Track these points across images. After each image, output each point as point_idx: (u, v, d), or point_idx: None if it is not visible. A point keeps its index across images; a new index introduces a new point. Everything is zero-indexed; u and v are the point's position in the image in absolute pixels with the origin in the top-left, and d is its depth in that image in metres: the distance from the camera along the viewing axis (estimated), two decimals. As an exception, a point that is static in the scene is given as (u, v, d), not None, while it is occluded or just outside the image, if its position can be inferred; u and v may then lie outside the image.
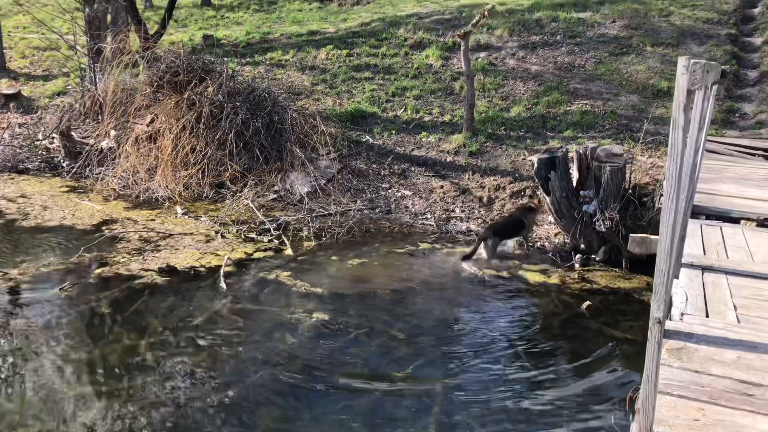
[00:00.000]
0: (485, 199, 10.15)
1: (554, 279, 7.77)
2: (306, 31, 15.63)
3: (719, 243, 3.84)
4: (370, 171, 11.15)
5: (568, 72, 12.92)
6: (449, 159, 11.09)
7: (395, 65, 13.76)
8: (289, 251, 8.19)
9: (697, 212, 4.60)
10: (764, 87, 11.88)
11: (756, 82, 12.13)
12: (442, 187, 10.56)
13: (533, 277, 7.81)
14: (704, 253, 3.63)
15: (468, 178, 10.64)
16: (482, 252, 8.27)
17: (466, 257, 8.11)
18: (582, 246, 8.43)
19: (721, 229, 4.18)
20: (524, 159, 10.72)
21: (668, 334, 2.58)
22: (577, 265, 8.13)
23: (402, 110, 12.43)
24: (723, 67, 2.60)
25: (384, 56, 14.08)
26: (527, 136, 11.27)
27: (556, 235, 9.05)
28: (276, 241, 8.49)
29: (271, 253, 8.16)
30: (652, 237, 4.65)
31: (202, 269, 7.51)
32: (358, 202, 10.36)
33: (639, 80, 12.28)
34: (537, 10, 14.93)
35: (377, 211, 10.19)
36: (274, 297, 6.86)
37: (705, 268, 3.33)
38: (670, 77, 12.22)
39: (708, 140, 9.75)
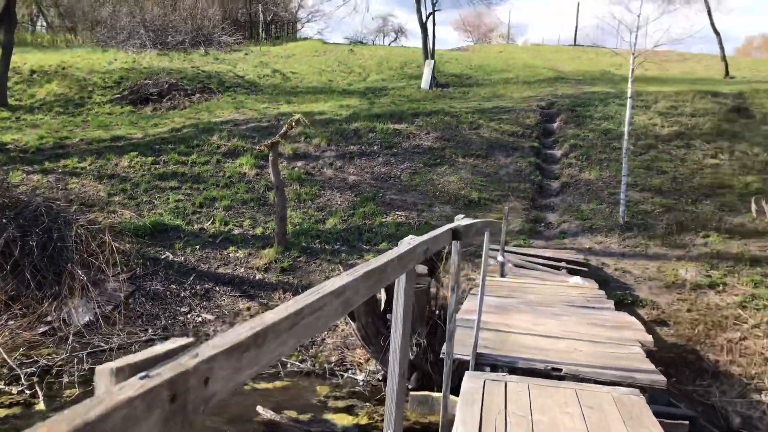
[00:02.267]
0: (295, 322, 9.27)
1: (362, 417, 6.93)
2: (110, 137, 14.35)
3: (500, 410, 3.24)
4: (168, 293, 9.91)
5: (384, 182, 12.77)
6: (259, 276, 10.18)
7: (205, 174, 12.85)
8: (41, 405, 6.66)
9: (482, 363, 4.08)
10: (566, 197, 12.41)
11: (558, 192, 12.68)
12: (249, 308, 9.57)
13: (338, 418, 6.92)
14: (479, 431, 3.00)
15: (279, 298, 9.76)
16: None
17: None
18: (393, 374, 7.74)
19: (506, 385, 3.63)
20: (339, 275, 10.07)
21: None
22: (388, 397, 7.39)
23: (209, 222, 11.44)
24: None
25: (194, 164, 13.15)
26: (342, 250, 10.72)
27: (367, 361, 8.32)
28: (28, 392, 6.93)
29: (17, 409, 6.58)
30: (435, 395, 4.02)
31: None
32: (150, 330, 9.04)
33: (451, 191, 12.36)
34: (355, 120, 14.93)
35: (172, 340, 8.91)
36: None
37: (474, 462, 2.66)
38: (481, 188, 12.45)
39: (516, 253, 9.74)
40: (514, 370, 4.01)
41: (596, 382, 3.81)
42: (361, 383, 7.86)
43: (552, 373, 3.93)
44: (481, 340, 4.34)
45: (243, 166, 13.13)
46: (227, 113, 15.99)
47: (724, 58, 22.76)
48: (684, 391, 7.63)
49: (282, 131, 10.38)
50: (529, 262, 9.14)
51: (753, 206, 9.24)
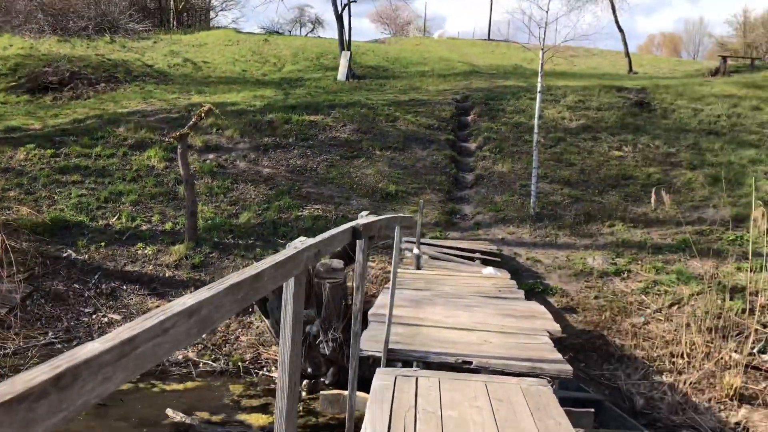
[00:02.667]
0: (208, 320, 8.96)
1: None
2: (3, 127, 13.42)
3: (410, 407, 3.20)
4: (71, 293, 9.38)
5: (300, 175, 12.56)
6: (169, 273, 9.79)
7: (111, 167, 12.23)
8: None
9: (393, 359, 4.03)
10: (480, 189, 12.62)
11: (473, 185, 12.87)
12: (158, 307, 9.17)
13: (252, 417, 6.74)
14: (388, 430, 2.93)
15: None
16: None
17: None
18: (309, 370, 7.62)
19: (416, 381, 3.60)
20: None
21: None
22: (303, 393, 7.27)
23: (115, 218, 10.90)
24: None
25: (98, 157, 12.48)
26: (257, 245, 10.46)
27: (283, 358, 8.13)
28: None
29: None
30: (345, 393, 3.95)
31: None
32: (50, 333, 8.53)
33: (369, 183, 12.31)
34: (269, 111, 14.61)
35: (75, 343, 8.43)
36: None
37: (380, 464, 2.60)
38: (398, 181, 12.47)
39: (432, 245, 9.80)
40: (426, 364, 3.99)
41: (506, 373, 3.84)
42: (276, 380, 7.70)
43: (463, 366, 3.93)
44: (394, 335, 4.30)
45: (151, 158, 12.58)
46: (134, 103, 15.30)
47: (627, 54, 23.82)
48: (592, 376, 7.91)
49: (191, 122, 10.00)
50: (444, 253, 9.22)
51: (653, 197, 9.71)
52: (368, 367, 4.30)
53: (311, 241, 1.82)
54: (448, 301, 5.86)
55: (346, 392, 3.73)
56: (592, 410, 3.88)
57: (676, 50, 58.01)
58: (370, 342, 4.16)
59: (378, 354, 3.97)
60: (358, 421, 3.17)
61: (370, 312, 5.24)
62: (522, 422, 3.09)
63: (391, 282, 4.10)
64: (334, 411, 3.97)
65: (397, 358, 4.05)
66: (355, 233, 2.51)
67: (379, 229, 2.99)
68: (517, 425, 3.05)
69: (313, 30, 40.22)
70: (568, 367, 3.90)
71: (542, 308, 5.86)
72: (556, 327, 5.02)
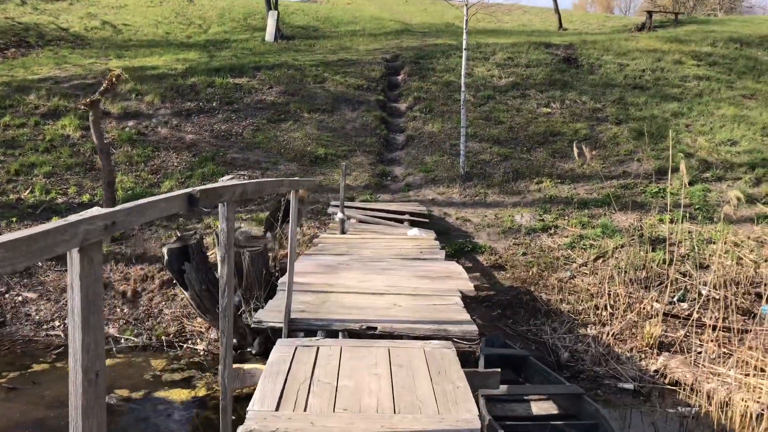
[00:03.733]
0: (129, 294, 8.67)
1: (200, 389, 6.61)
2: None
3: (306, 378, 3.07)
4: (-20, 273, 8.85)
5: (225, 140, 12.15)
6: (87, 248, 9.34)
7: (21, 137, 11.54)
8: None
9: (296, 329, 3.90)
10: (410, 150, 12.49)
11: (403, 146, 12.73)
12: (76, 283, 8.78)
13: (174, 393, 6.54)
14: (278, 405, 2.79)
15: (110, 269, 9.05)
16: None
17: None
18: (235, 341, 7.44)
19: (317, 350, 3.47)
20: (176, 241, 9.51)
21: None
22: (229, 365, 7.11)
23: (28, 191, 10.33)
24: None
25: (7, 127, 11.75)
26: (179, 214, 10.09)
27: (208, 329, 7.94)
28: None
29: None
30: (246, 367, 3.79)
31: None
32: (-42, 317, 8.06)
33: (297, 147, 12.02)
34: (192, 75, 14.02)
35: (-14, 325, 8.03)
36: None
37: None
38: (327, 144, 12.22)
39: (361, 208, 9.67)
40: (329, 333, 3.87)
41: (411, 337, 3.77)
42: (201, 353, 7.53)
43: (368, 333, 3.84)
44: (301, 304, 4.16)
45: (66, 127, 11.93)
46: (47, 69, 14.42)
47: (557, 10, 23.93)
48: (519, 332, 8.00)
49: (102, 88, 9.45)
50: (373, 216, 9.09)
51: (575, 150, 9.80)
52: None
53: (102, 211, 1.61)
54: (365, 265, 5.75)
55: (246, 366, 3.58)
56: (498, 370, 3.86)
57: (609, 7, 58.74)
58: (273, 312, 4.02)
59: (279, 325, 3.82)
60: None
61: (279, 281, 5.08)
62: (419, 388, 3.01)
63: (289, 249, 3.94)
64: (234, 385, 3.81)
65: (299, 328, 3.92)
66: (191, 200, 2.28)
67: (241, 195, 2.80)
68: (413, 391, 2.97)
69: (243, -10, 38.77)
70: (474, 328, 3.86)
71: (459, 268, 5.81)
72: (470, 286, 4.99)
